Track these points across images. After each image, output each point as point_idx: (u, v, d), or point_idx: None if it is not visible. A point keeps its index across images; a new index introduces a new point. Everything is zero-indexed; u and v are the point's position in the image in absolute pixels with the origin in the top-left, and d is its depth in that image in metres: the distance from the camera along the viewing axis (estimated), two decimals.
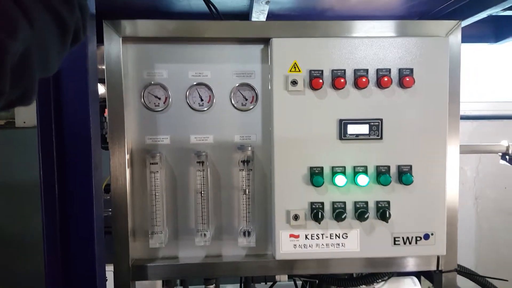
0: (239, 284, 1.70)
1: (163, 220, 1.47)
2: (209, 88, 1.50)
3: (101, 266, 1.16)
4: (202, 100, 1.51)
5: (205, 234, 1.48)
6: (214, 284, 1.65)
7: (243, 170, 1.48)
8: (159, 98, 1.49)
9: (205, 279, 1.67)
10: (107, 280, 1.39)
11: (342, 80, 1.42)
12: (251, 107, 1.53)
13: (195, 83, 1.49)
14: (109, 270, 1.40)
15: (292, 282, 1.69)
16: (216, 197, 1.54)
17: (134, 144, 1.49)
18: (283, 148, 1.45)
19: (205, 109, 1.50)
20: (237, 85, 1.51)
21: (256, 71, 1.52)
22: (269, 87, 1.48)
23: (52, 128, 1.19)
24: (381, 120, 1.47)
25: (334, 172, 1.46)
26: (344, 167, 1.47)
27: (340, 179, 1.45)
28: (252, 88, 1.52)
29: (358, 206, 1.48)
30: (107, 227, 1.41)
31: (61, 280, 1.20)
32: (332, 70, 1.45)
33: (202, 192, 1.46)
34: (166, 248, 1.51)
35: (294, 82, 1.44)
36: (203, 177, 1.47)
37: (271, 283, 1.66)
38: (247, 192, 1.48)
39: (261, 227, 1.55)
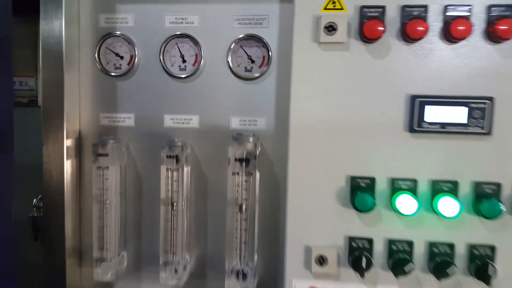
0: None
1: (116, 241, 0.96)
2: (196, 43, 0.95)
3: None
4: (184, 61, 0.97)
5: (176, 270, 0.93)
6: None
7: (239, 173, 0.90)
8: (121, 57, 0.98)
9: None
10: None
11: (421, 27, 0.78)
12: (259, 74, 0.95)
13: (174, 34, 0.95)
14: None
15: None
16: (198, 212, 0.99)
17: (83, 124, 1.00)
18: (306, 142, 0.86)
19: (188, 74, 0.96)
20: (239, 37, 0.94)
21: (271, 15, 0.93)
22: (291, 40, 0.88)
23: None
24: (491, 99, 0.80)
25: (395, 189, 0.83)
26: (415, 181, 0.83)
27: (406, 202, 0.81)
28: (263, 44, 0.94)
29: (436, 251, 0.83)
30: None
31: None
32: (403, 7, 0.81)
33: (174, 204, 0.92)
34: (123, 281, 1.01)
35: (331, 28, 0.83)
36: (176, 181, 0.93)
37: None
38: (243, 209, 0.91)
39: (265, 267, 0.97)
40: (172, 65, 0.98)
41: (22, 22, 1.14)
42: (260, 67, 0.96)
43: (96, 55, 0.98)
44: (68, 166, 0.96)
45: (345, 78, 0.84)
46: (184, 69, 0.98)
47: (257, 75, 0.96)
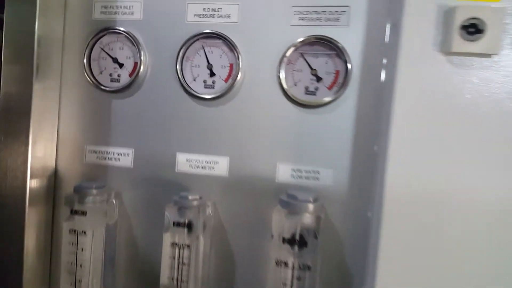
0: None
1: None
2: (232, 47, 0.61)
3: None
4: (212, 74, 0.63)
5: None
6: None
7: (287, 263, 0.54)
8: (121, 64, 0.66)
9: None
10: None
11: None
12: (331, 98, 0.59)
13: (200, 32, 0.61)
14: None
15: None
16: None
17: (61, 160, 0.68)
18: (411, 226, 0.48)
19: (218, 94, 0.61)
20: (300, 41, 0.59)
21: (354, 7, 0.58)
22: (393, 47, 0.52)
23: None
24: None
25: None
26: None
27: None
28: (338, 52, 0.59)
29: None
30: None
31: None
32: None
33: None
34: None
35: (474, 29, 0.45)
36: (187, 264, 0.58)
37: None
38: None
39: None
40: (194, 80, 0.64)
41: None
42: (330, 87, 0.60)
43: (85, 60, 0.66)
44: (31, 222, 0.64)
45: (495, 123, 0.47)
46: (212, 86, 0.64)
47: (326, 100, 0.60)
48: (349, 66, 0.59)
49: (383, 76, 0.58)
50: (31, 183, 0.65)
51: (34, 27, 0.62)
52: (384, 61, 0.57)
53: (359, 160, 0.60)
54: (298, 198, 0.56)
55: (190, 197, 0.59)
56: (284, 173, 0.62)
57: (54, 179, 0.69)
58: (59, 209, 0.69)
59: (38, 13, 0.62)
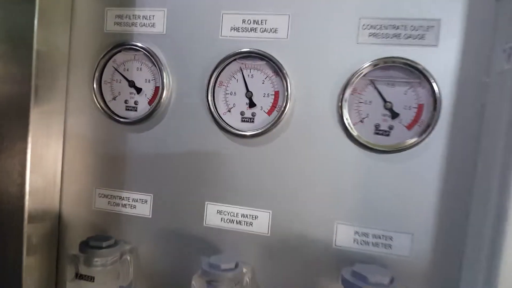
0: None
1: None
2: (278, 70, 0.46)
3: None
4: (252, 104, 0.49)
5: None
6: None
7: None
8: (138, 89, 0.52)
9: None
10: None
11: None
12: (414, 141, 0.43)
13: (238, 51, 0.47)
14: None
15: None
16: None
17: (66, 205, 0.56)
18: None
19: (259, 131, 0.47)
20: (369, 64, 0.43)
21: (445, 21, 0.42)
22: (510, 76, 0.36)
23: None
24: None
25: None
26: None
27: None
28: (422, 79, 0.43)
29: None
30: None
31: None
32: None
33: None
34: None
35: None
36: None
37: None
38: None
39: None
40: (229, 111, 0.50)
41: None
42: (410, 126, 0.45)
43: (94, 83, 0.54)
44: (29, 272, 0.52)
45: None
46: (251, 120, 0.50)
47: (405, 143, 0.45)
48: (438, 97, 0.44)
49: (488, 114, 0.42)
50: (29, 229, 0.53)
51: (33, 40, 0.50)
52: (490, 94, 0.42)
53: (448, 224, 0.45)
54: (369, 280, 0.41)
55: (222, 267, 0.46)
56: (344, 236, 0.47)
57: (58, 225, 0.57)
58: (63, 259, 0.57)
59: (37, 23, 0.49)
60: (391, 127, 0.46)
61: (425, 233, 0.45)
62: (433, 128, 0.45)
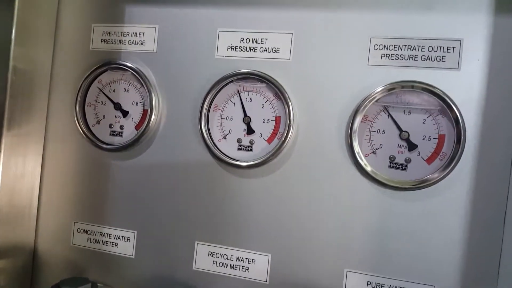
0: None
1: None
2: (280, 95, 0.41)
3: None
4: (250, 130, 0.43)
5: None
6: None
7: None
8: (125, 112, 0.47)
9: None
10: None
11: None
12: (435, 177, 0.37)
13: (236, 72, 0.42)
14: None
15: None
16: None
17: (42, 240, 0.50)
18: None
19: (258, 161, 0.41)
20: (381, 88, 0.38)
21: (468, 41, 0.37)
22: None
23: None
24: None
25: None
26: None
27: None
28: (443, 107, 0.38)
29: None
30: None
31: None
32: None
33: None
34: None
35: None
36: None
37: None
38: None
39: None
40: (225, 138, 0.45)
41: None
42: (430, 160, 0.39)
43: (77, 105, 0.48)
44: None
45: None
46: (249, 148, 0.44)
47: (424, 179, 0.39)
48: (462, 128, 0.38)
49: None
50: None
51: (9, 56, 0.45)
52: None
53: (476, 275, 0.38)
54: None
55: None
56: (355, 286, 0.41)
57: (31, 262, 0.51)
58: None
59: (14, 37, 0.45)
60: (408, 160, 0.41)
61: (449, 286, 0.39)
62: (457, 162, 0.39)
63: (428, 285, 0.39)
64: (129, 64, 0.48)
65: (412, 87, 0.40)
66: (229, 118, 0.45)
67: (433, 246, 0.39)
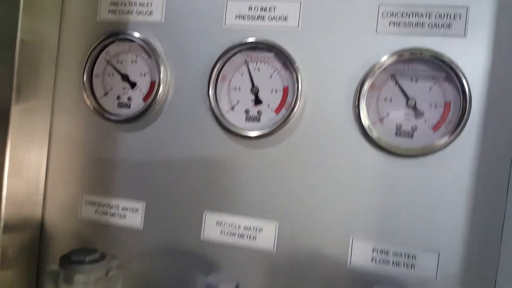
0: None
1: None
2: (288, 64, 0.41)
3: None
4: (258, 101, 0.43)
5: None
6: None
7: None
8: (133, 84, 0.47)
9: None
10: None
11: None
12: (436, 142, 0.38)
13: (243, 42, 0.42)
14: None
15: None
16: None
17: (50, 212, 0.50)
18: None
19: (266, 131, 0.41)
20: (389, 56, 0.38)
21: (475, 8, 0.37)
22: None
23: None
24: None
25: None
26: None
27: None
28: (449, 74, 0.38)
29: None
30: None
31: None
32: None
33: None
34: None
35: None
36: None
37: None
38: None
39: None
40: (233, 108, 0.45)
41: None
42: (436, 127, 0.40)
43: (84, 76, 0.49)
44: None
45: None
46: (257, 119, 0.44)
47: (430, 146, 0.39)
48: (467, 96, 0.39)
49: None
50: (5, 239, 0.47)
51: (17, 29, 0.45)
52: None
53: (481, 241, 0.39)
54: None
55: (221, 287, 0.39)
56: (361, 254, 0.41)
57: (39, 237, 0.51)
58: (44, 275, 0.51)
59: (22, 10, 0.45)
60: (414, 128, 0.41)
61: (454, 252, 0.39)
62: (461, 130, 0.39)
63: (433, 251, 0.40)
64: (136, 35, 0.48)
65: (421, 54, 0.40)
66: (237, 89, 0.45)
67: (439, 212, 0.40)
